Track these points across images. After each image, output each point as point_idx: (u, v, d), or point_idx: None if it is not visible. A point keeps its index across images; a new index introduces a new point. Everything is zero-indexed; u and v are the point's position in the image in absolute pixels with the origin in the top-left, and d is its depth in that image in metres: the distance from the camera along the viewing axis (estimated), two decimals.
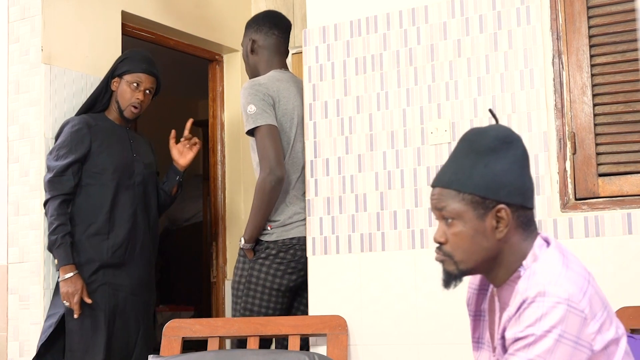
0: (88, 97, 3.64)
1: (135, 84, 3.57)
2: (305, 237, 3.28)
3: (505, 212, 1.74)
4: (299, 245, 3.29)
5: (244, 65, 4.63)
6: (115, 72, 3.61)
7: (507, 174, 1.74)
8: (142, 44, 4.40)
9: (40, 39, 3.63)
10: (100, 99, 3.62)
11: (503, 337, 1.76)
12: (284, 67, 3.53)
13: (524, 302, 1.67)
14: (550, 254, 1.74)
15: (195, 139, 3.82)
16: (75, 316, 3.30)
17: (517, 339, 1.66)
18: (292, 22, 4.33)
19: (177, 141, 3.80)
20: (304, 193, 3.32)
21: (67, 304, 3.29)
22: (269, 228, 3.31)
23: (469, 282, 1.98)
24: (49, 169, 3.44)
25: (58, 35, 3.70)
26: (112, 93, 3.63)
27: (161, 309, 6.27)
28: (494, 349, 1.86)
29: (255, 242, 3.32)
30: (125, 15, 4.05)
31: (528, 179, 1.79)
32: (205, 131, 5.57)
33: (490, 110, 1.90)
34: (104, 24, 3.90)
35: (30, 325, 3.49)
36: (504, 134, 1.78)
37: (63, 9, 3.73)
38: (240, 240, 3.34)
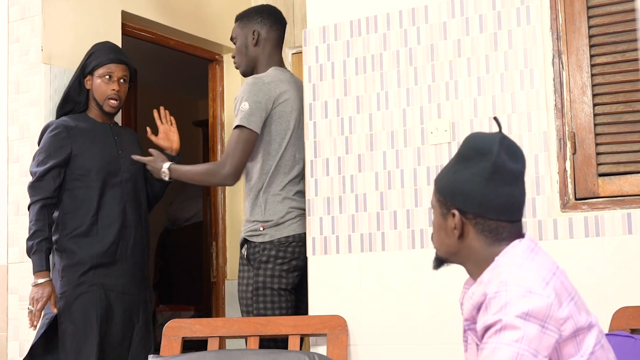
0: (60, 99, 3.57)
1: (107, 76, 3.52)
2: (301, 234, 3.28)
3: (456, 217, 1.87)
4: (295, 243, 3.28)
5: None
6: (86, 70, 3.55)
7: (467, 183, 1.85)
8: (142, 44, 4.41)
9: (40, 39, 3.63)
10: (75, 100, 3.55)
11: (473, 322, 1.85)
12: (283, 64, 3.53)
13: (487, 293, 1.76)
14: (517, 248, 1.83)
15: (169, 118, 3.81)
16: (30, 327, 3.27)
17: (487, 328, 1.73)
18: (292, 22, 4.34)
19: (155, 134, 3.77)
20: (296, 193, 3.32)
21: (30, 308, 3.25)
22: (261, 228, 3.29)
23: (464, 282, 2.01)
24: (30, 174, 3.42)
25: (58, 35, 3.70)
26: (88, 92, 3.57)
27: (161, 309, 6.28)
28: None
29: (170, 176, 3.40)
30: (125, 15, 4.05)
31: (493, 192, 1.83)
32: (205, 131, 5.57)
33: (495, 118, 1.93)
34: (104, 24, 3.90)
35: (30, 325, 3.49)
36: (480, 145, 1.86)
37: (63, 9, 3.73)
38: (164, 164, 3.39)
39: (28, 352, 3.33)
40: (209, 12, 4.57)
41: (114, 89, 3.52)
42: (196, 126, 6.65)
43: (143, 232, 3.59)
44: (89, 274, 3.37)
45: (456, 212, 1.86)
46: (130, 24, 4.14)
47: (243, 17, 3.52)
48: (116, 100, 3.54)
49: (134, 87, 4.10)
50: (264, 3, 4.64)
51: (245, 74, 3.54)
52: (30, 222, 3.34)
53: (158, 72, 6.25)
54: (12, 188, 3.66)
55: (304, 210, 3.28)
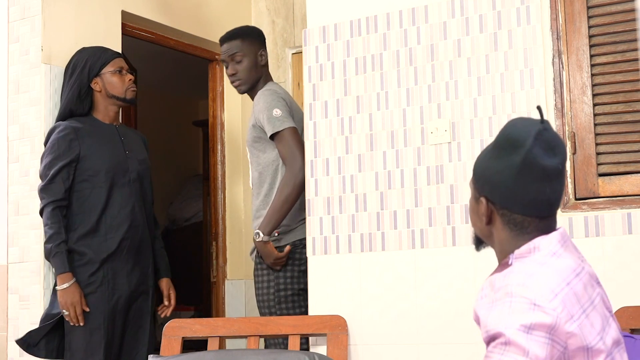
0: (62, 106, 3.56)
1: (118, 71, 3.59)
2: None
3: (484, 205, 1.84)
4: None
5: None
6: (91, 74, 3.56)
7: (496, 174, 1.80)
8: (142, 44, 4.41)
9: (40, 39, 3.63)
10: (79, 104, 3.55)
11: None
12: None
13: (494, 300, 1.72)
14: (535, 252, 1.78)
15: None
16: (78, 323, 3.30)
17: (490, 339, 1.69)
18: (292, 22, 4.38)
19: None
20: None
21: (66, 313, 3.29)
22: (275, 234, 3.37)
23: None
24: (40, 176, 3.44)
25: (58, 35, 3.70)
26: (92, 95, 3.57)
27: None
28: None
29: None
30: (125, 15, 4.05)
31: (521, 187, 1.77)
32: (205, 131, 5.58)
33: (538, 107, 1.84)
34: (104, 24, 3.90)
35: (30, 325, 3.49)
36: (514, 136, 1.78)
37: (63, 9, 3.73)
38: (258, 235, 3.33)
39: (30, 341, 3.33)
40: (209, 12, 4.57)
41: (130, 79, 3.63)
42: (196, 126, 6.66)
43: (148, 231, 3.61)
44: (98, 274, 3.39)
45: (484, 200, 1.83)
46: (130, 24, 4.14)
47: (247, 35, 3.59)
48: (134, 88, 3.64)
49: None
50: (267, 7, 4.69)
51: (245, 92, 3.60)
52: (45, 226, 3.36)
53: (158, 72, 6.25)
54: (12, 188, 3.67)
55: None
